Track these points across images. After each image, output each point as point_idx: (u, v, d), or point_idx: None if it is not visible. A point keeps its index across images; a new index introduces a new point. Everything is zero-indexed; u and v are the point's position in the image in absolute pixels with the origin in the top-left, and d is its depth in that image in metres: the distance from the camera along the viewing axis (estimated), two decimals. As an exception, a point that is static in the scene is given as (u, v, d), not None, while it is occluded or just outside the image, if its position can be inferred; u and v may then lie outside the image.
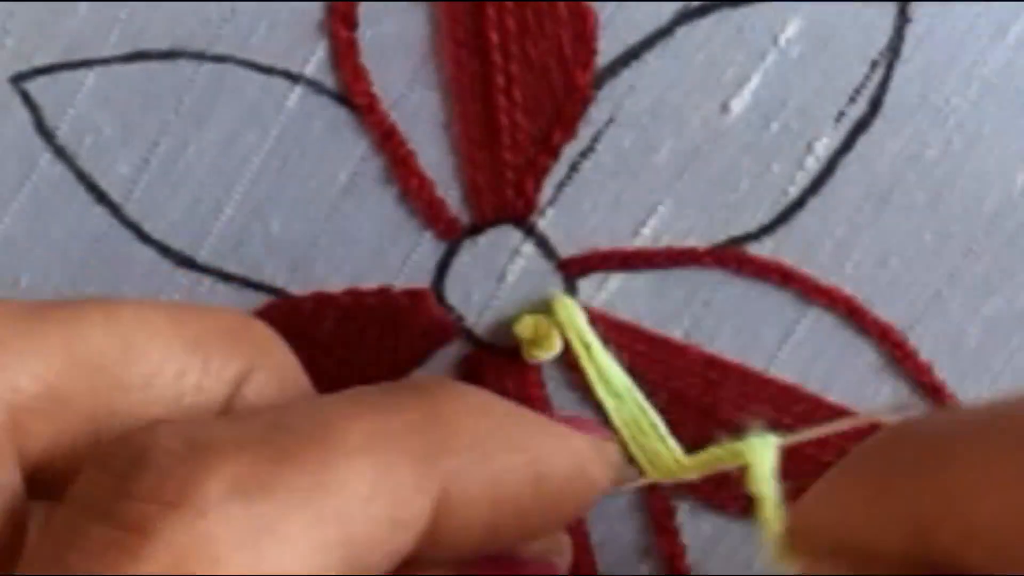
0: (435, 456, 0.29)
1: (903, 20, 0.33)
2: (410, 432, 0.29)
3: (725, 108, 0.34)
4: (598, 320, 0.36)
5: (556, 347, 0.36)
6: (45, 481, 0.30)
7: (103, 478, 0.27)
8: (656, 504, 0.36)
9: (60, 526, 0.27)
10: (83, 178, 0.36)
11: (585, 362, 0.35)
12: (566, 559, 0.34)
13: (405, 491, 0.28)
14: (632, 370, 0.36)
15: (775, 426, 0.35)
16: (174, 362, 0.31)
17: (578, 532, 0.37)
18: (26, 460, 0.30)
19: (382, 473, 0.28)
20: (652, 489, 0.36)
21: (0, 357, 0.30)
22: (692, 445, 0.36)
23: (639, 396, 0.35)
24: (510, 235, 0.36)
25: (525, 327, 0.35)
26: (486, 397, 0.31)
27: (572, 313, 0.35)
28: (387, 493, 0.28)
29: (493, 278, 0.36)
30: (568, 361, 0.36)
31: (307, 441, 0.28)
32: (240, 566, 0.26)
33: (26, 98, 0.36)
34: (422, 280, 0.36)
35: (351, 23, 0.35)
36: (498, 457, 0.30)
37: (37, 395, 0.30)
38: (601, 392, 0.35)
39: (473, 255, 0.36)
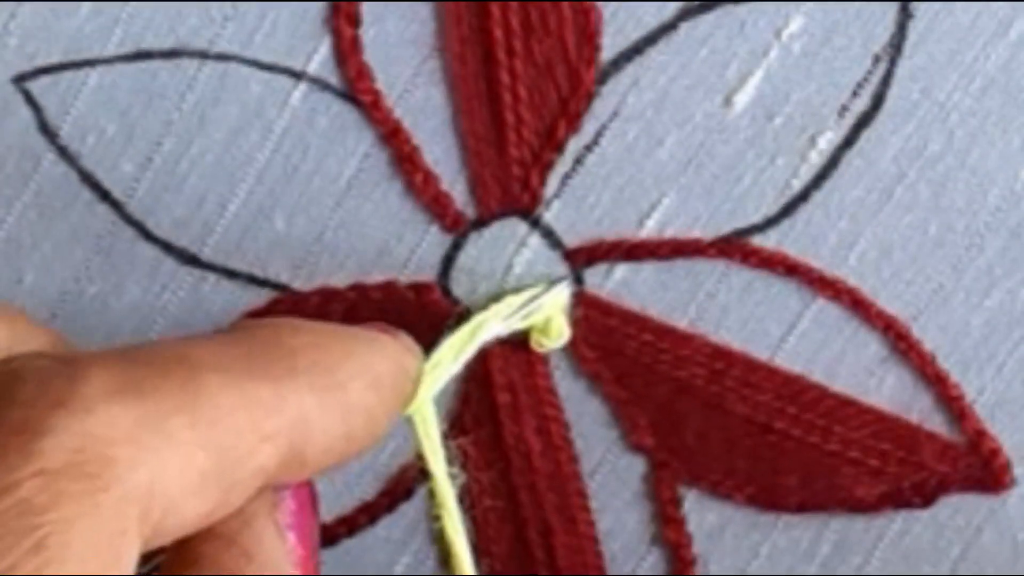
0: (284, 375, 0.29)
1: (905, 16, 0.34)
2: (259, 356, 0.29)
3: (728, 103, 0.35)
4: (604, 309, 0.36)
5: (564, 335, 0.36)
6: None
7: None
8: (663, 493, 0.37)
9: None
10: (86, 177, 0.36)
11: None
12: None
13: (264, 406, 0.29)
14: (638, 360, 0.36)
15: (779, 416, 0.36)
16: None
17: (584, 521, 0.37)
18: None
19: (242, 387, 0.28)
20: (659, 479, 0.37)
21: None
22: (697, 435, 0.36)
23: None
24: (516, 227, 0.36)
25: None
26: (302, 321, 0.31)
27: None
28: (250, 405, 0.28)
29: (499, 270, 0.36)
30: (575, 350, 0.36)
31: (169, 360, 0.28)
32: (132, 461, 0.27)
33: (29, 98, 0.36)
34: (428, 274, 0.36)
35: (354, 20, 0.35)
36: (340, 368, 0.30)
37: None
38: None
39: (479, 248, 0.36)
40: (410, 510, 0.38)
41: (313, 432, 0.29)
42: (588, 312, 0.36)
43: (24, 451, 0.26)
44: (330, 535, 0.38)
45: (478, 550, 0.38)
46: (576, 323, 0.36)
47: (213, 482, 0.28)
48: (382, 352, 0.32)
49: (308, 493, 0.32)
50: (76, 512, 0.26)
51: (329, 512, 0.38)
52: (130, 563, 0.27)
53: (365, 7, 0.35)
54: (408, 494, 0.38)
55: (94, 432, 0.26)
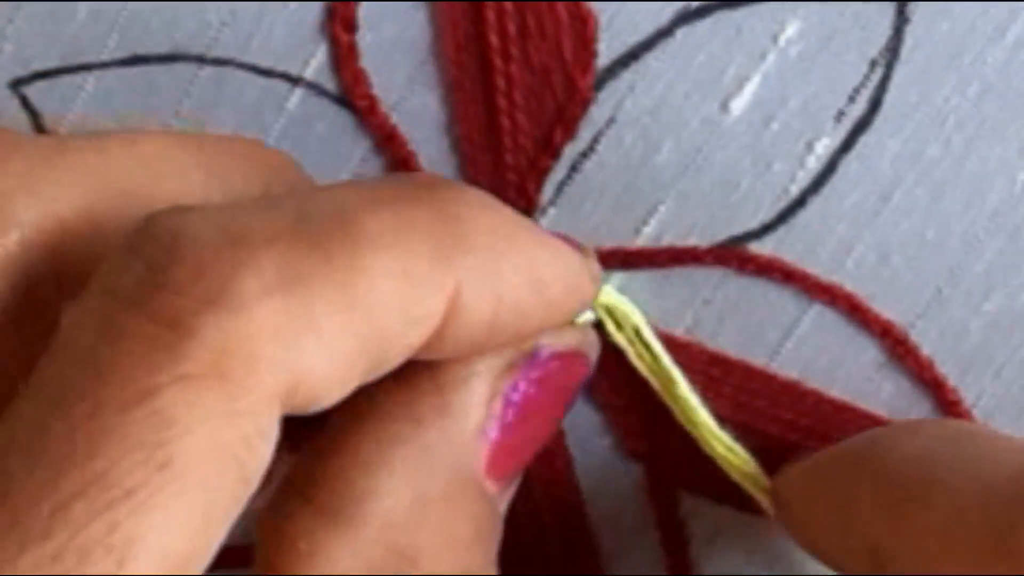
0: (451, 253, 0.29)
1: (902, 20, 0.34)
2: (428, 228, 0.29)
3: (725, 108, 0.35)
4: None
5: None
6: None
7: (135, 265, 0.27)
8: (659, 499, 0.37)
9: (91, 314, 0.27)
10: (84, 182, 0.36)
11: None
12: (594, 351, 0.34)
13: (423, 286, 0.28)
14: (632, 367, 0.36)
15: (776, 423, 0.36)
16: (197, 186, 0.31)
17: (581, 526, 0.37)
18: (64, 283, 0.30)
19: (403, 268, 0.28)
20: (656, 480, 0.37)
21: (33, 184, 0.30)
22: (692, 442, 0.36)
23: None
24: (511, 234, 0.36)
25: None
26: (492, 200, 0.31)
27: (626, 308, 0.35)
28: (407, 287, 0.28)
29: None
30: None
31: (334, 232, 0.27)
32: (276, 357, 0.26)
33: (25, 103, 0.36)
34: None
35: (351, 25, 0.35)
36: (506, 258, 0.30)
37: (72, 218, 0.30)
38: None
39: (475, 254, 0.36)
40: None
41: (461, 315, 0.29)
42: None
43: (170, 349, 0.25)
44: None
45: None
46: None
47: (358, 367, 0.27)
48: (558, 259, 0.31)
49: (572, 363, 0.32)
50: (209, 418, 0.25)
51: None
52: (262, 462, 0.26)
53: (362, 12, 0.35)
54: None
55: (245, 330, 0.26)
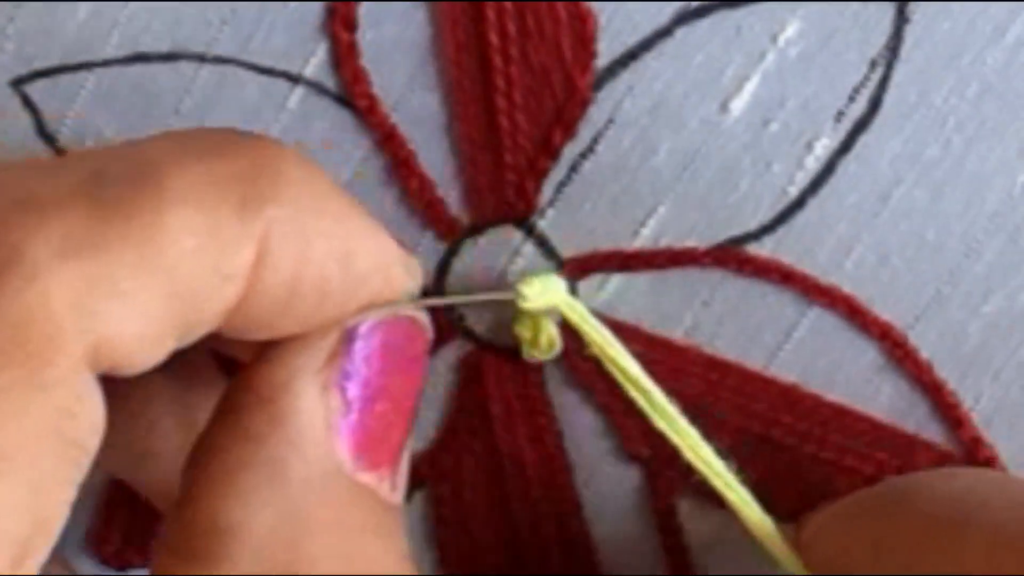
0: (259, 204, 0.28)
1: (902, 20, 0.34)
2: (237, 179, 0.28)
3: (724, 108, 0.34)
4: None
5: (556, 347, 0.36)
6: None
7: None
8: (658, 503, 0.36)
9: None
10: (84, 181, 0.36)
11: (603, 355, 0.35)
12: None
13: (232, 241, 0.27)
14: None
15: (774, 426, 0.36)
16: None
17: (579, 530, 0.37)
18: None
19: (209, 222, 0.27)
20: (654, 488, 0.36)
21: None
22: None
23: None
24: (510, 235, 0.36)
25: (525, 326, 0.35)
26: (312, 164, 0.30)
27: (581, 313, 0.35)
28: (215, 243, 0.27)
29: (493, 278, 0.36)
30: (568, 360, 0.36)
31: (133, 191, 0.27)
32: (79, 325, 0.26)
33: (26, 101, 0.36)
34: (424, 280, 0.36)
35: (351, 25, 0.35)
36: (316, 219, 0.29)
37: None
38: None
39: (473, 255, 0.36)
40: (407, 515, 0.37)
41: (265, 269, 0.28)
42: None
43: None
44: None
45: (471, 560, 0.37)
46: (569, 335, 0.36)
47: (169, 327, 0.27)
48: (371, 238, 0.30)
49: (405, 331, 0.30)
50: (18, 395, 0.25)
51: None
52: (91, 424, 0.26)
53: (362, 11, 0.35)
54: (406, 498, 0.37)
55: (39, 295, 0.25)
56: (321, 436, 0.29)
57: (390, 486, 0.30)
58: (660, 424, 0.34)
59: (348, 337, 0.30)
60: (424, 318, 0.32)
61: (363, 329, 0.30)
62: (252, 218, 0.28)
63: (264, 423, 0.29)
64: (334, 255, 0.29)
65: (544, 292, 0.34)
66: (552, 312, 0.35)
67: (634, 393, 0.35)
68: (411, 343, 0.31)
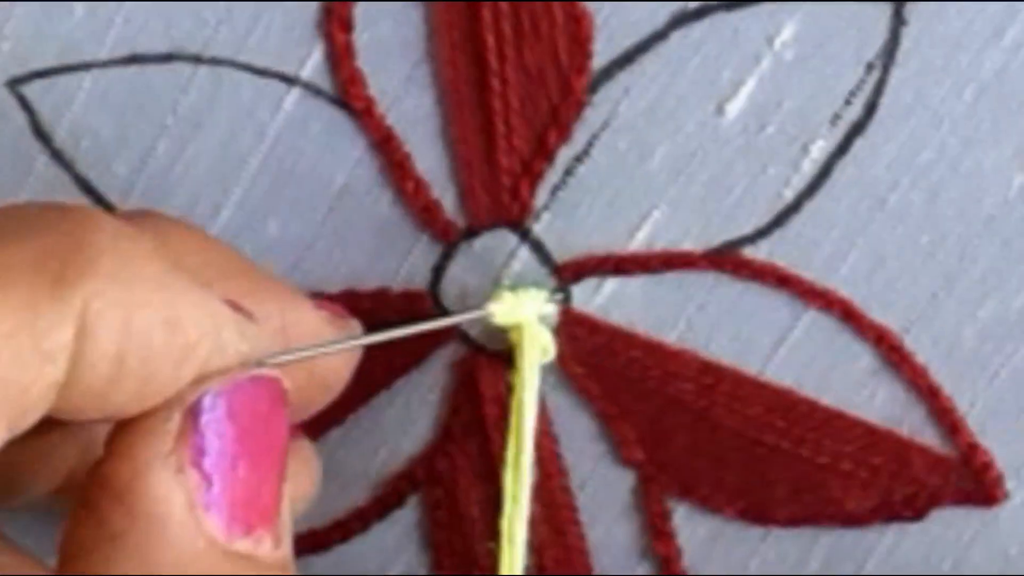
0: (74, 279, 0.27)
1: (898, 22, 0.33)
2: (50, 255, 0.27)
3: (720, 111, 0.34)
4: (591, 327, 0.35)
5: (549, 352, 0.35)
6: None
7: None
8: (652, 507, 0.36)
9: None
10: (80, 181, 0.36)
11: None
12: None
13: (49, 319, 0.27)
14: (627, 375, 0.36)
15: (769, 430, 0.35)
16: None
17: (574, 535, 0.37)
18: None
19: (24, 302, 0.26)
20: (648, 492, 0.36)
21: None
22: (687, 448, 0.36)
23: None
24: (506, 239, 0.36)
25: (518, 332, 0.35)
26: (131, 230, 0.29)
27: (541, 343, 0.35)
28: (31, 323, 0.26)
29: (489, 282, 0.36)
30: (563, 366, 0.36)
31: None
32: None
33: (23, 102, 0.36)
34: (419, 283, 0.36)
35: (348, 25, 0.35)
36: (136, 287, 0.28)
37: None
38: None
39: (469, 258, 0.36)
40: (403, 517, 0.38)
41: (87, 345, 0.27)
42: (575, 330, 0.36)
43: None
44: (324, 540, 0.38)
45: (466, 562, 0.37)
46: (563, 340, 0.36)
47: None
48: (198, 303, 0.29)
49: (251, 392, 0.29)
50: None
51: (322, 517, 0.37)
52: None
53: (358, 12, 0.35)
54: (400, 501, 0.37)
55: None
56: (185, 518, 0.28)
57: (272, 544, 0.29)
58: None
59: (192, 412, 0.29)
60: (271, 371, 0.30)
61: (206, 401, 0.29)
62: (68, 295, 0.27)
63: (123, 518, 0.28)
64: (158, 324, 0.28)
65: (514, 311, 0.34)
66: (545, 318, 0.35)
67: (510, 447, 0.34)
68: (262, 401, 0.30)
